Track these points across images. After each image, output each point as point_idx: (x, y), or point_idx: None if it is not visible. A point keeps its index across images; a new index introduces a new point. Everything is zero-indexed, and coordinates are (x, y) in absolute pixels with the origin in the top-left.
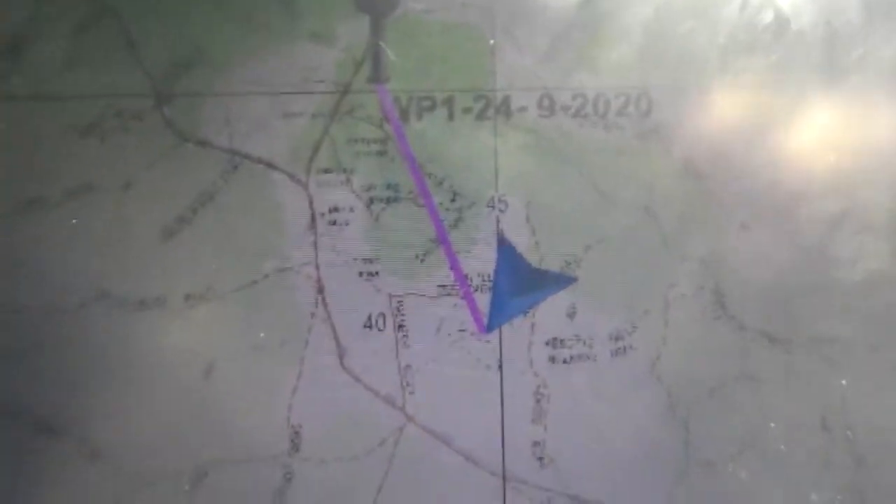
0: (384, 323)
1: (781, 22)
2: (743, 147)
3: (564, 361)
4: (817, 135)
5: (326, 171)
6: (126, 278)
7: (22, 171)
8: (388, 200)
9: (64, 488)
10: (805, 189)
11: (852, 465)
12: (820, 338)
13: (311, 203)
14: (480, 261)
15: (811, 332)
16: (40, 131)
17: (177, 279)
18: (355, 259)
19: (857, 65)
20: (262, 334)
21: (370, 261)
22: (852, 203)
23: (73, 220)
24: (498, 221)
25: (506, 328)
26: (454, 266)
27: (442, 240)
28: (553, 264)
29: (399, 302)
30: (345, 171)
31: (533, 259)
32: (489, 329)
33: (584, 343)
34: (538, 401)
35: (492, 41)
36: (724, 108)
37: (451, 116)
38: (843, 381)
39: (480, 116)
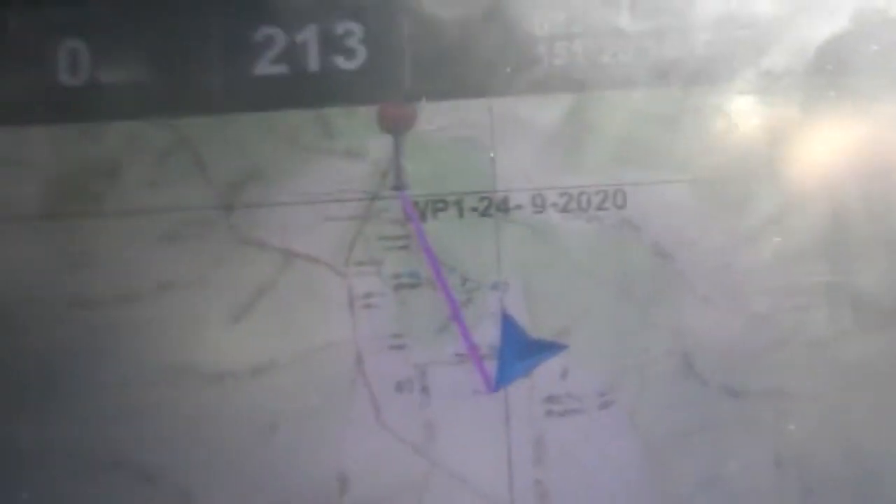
0: (411, 386)
1: (730, 125)
2: (701, 231)
3: (559, 414)
4: (759, 220)
5: (361, 263)
6: (204, 355)
7: (115, 274)
8: (411, 286)
9: None
10: (755, 266)
11: (802, 493)
12: (771, 390)
13: (349, 290)
14: (488, 333)
15: (763, 384)
16: (128, 240)
17: (244, 355)
18: (386, 335)
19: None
20: (312, 397)
21: (398, 335)
22: (792, 278)
23: (161, 312)
24: (501, 300)
25: (510, 388)
26: (466, 338)
27: (455, 317)
28: (547, 335)
29: (423, 368)
30: (376, 263)
31: (531, 331)
32: (496, 389)
33: (575, 399)
34: (537, 447)
35: (491, 154)
36: (684, 200)
37: (460, 214)
38: (791, 427)
39: (484, 214)
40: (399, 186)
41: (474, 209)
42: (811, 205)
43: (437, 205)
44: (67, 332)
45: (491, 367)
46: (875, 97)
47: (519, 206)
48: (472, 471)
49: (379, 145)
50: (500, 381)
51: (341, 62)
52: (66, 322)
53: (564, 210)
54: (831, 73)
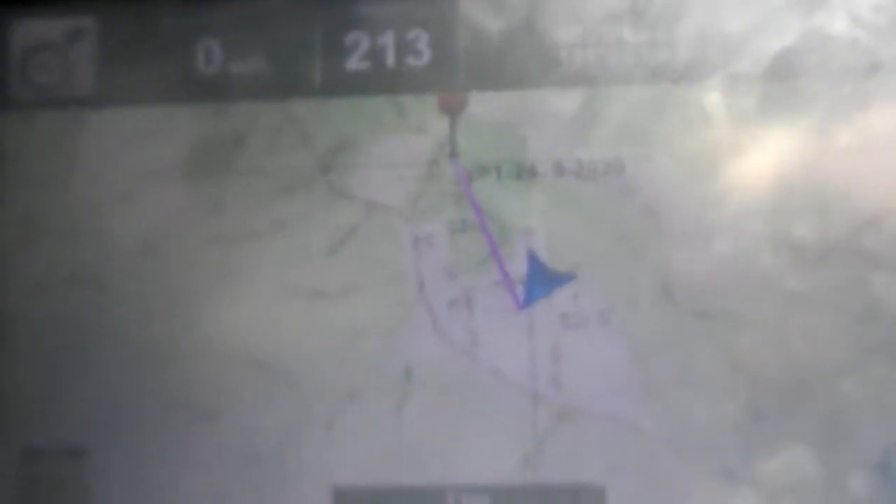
0: (460, 304)
1: (704, 114)
2: (680, 194)
3: (570, 327)
4: (724, 186)
5: (424, 212)
6: (307, 278)
7: (241, 217)
8: (461, 230)
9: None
10: (720, 220)
11: (749, 389)
12: (729, 313)
13: (414, 232)
14: (518, 266)
15: (723, 309)
16: (251, 193)
17: (337, 279)
18: (442, 266)
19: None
20: (386, 312)
21: (451, 266)
22: (748, 229)
23: (275, 246)
24: (528, 242)
25: (534, 307)
26: (502, 269)
27: (494, 254)
28: (561, 268)
29: (469, 291)
30: (434, 212)
31: (550, 265)
32: (524, 307)
33: (582, 315)
34: (553, 350)
35: (524, 133)
36: (668, 170)
37: (499, 177)
38: (743, 340)
39: (517, 177)
40: (454, 155)
41: (509, 173)
42: (762, 174)
43: (482, 170)
44: (206, 260)
45: (520, 291)
46: (815, 96)
47: (543, 173)
48: (505, 367)
49: (439, 124)
50: (527, 302)
51: (411, 60)
52: (203, 257)
53: (577, 176)
54: (783, 77)
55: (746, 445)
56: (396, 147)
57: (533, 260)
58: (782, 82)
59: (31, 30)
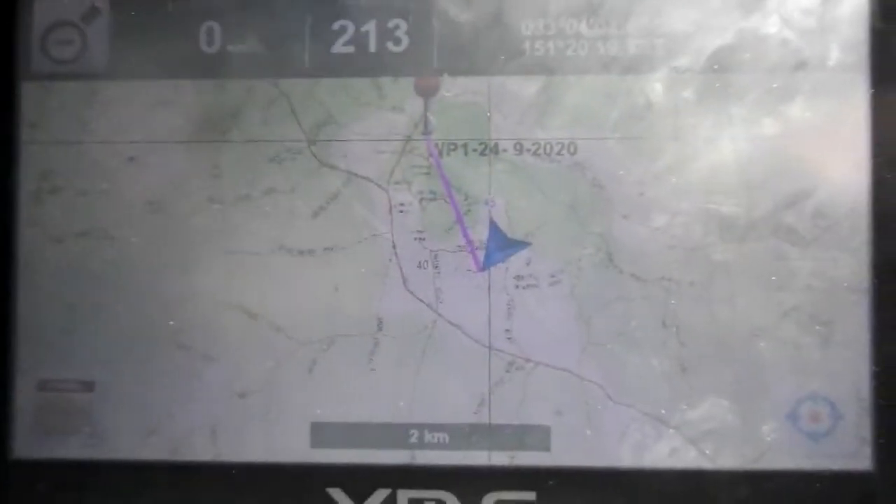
0: (427, 265)
1: (648, 102)
2: (625, 171)
3: (524, 287)
4: (663, 166)
5: (398, 182)
6: (293, 237)
7: (236, 181)
8: (431, 199)
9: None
10: (658, 196)
11: (678, 346)
12: (663, 277)
13: (389, 200)
14: (480, 233)
15: (657, 274)
16: (245, 160)
17: (320, 239)
18: (413, 231)
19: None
20: (362, 269)
21: (421, 231)
22: (681, 204)
23: (266, 208)
24: (490, 212)
25: (492, 269)
26: (466, 235)
27: (459, 221)
28: (518, 235)
29: (436, 254)
30: (408, 183)
31: (507, 233)
32: (483, 269)
33: (534, 278)
34: (508, 307)
35: (488, 114)
36: (615, 151)
37: (465, 154)
38: (673, 301)
39: (482, 154)
40: (426, 133)
41: (475, 150)
42: (697, 157)
43: (451, 146)
44: (204, 217)
45: (480, 255)
46: (746, 89)
47: (505, 150)
48: (465, 321)
49: (413, 104)
50: (486, 264)
51: (391, 46)
52: (202, 211)
53: (535, 154)
54: (717, 70)
55: (674, 394)
56: (375, 124)
57: (493, 228)
58: (718, 76)
59: (51, 8)
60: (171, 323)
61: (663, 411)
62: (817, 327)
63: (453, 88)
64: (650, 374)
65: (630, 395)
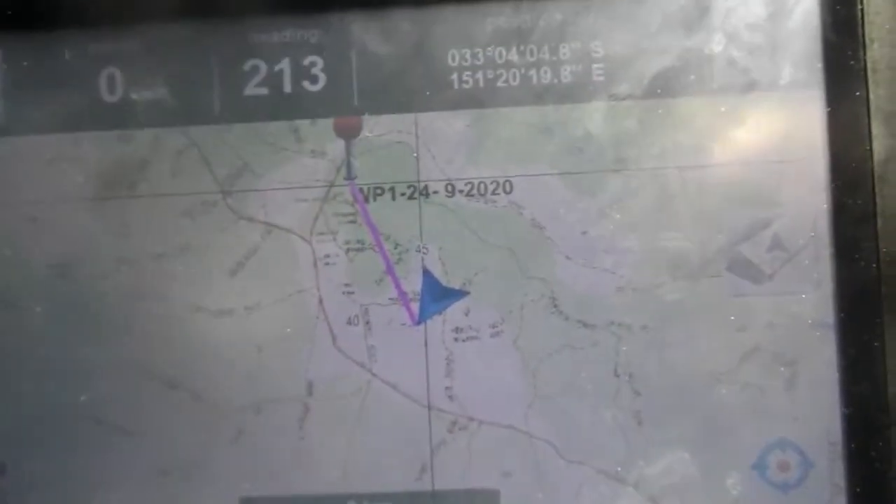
0: (358, 320)
1: (587, 133)
2: (566, 210)
3: (463, 340)
4: (606, 201)
5: (322, 233)
6: (211, 297)
7: (147, 239)
8: (358, 250)
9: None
10: (603, 234)
11: (632, 395)
12: (612, 323)
13: (313, 252)
14: (413, 283)
15: (606, 318)
16: (156, 216)
17: (240, 298)
18: (340, 284)
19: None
20: (287, 328)
21: (349, 285)
22: (628, 243)
23: (180, 267)
24: (422, 259)
25: (428, 322)
26: (397, 286)
27: (389, 272)
28: (454, 284)
29: (366, 308)
30: (332, 233)
31: (443, 281)
32: (419, 323)
33: (474, 329)
34: (447, 363)
35: (416, 154)
36: (554, 188)
37: (393, 198)
38: (625, 348)
39: (411, 197)
40: (349, 177)
41: (403, 194)
42: (642, 190)
43: (377, 191)
44: (114, 281)
45: (415, 307)
46: (693, 114)
47: (436, 192)
48: (401, 380)
49: (335, 147)
50: (422, 317)
51: (307, 85)
52: (112, 274)
53: (468, 195)
54: (660, 95)
55: (630, 448)
56: (294, 170)
57: (427, 277)
58: (662, 101)
59: None
60: (83, 397)
61: (619, 468)
62: (781, 368)
63: (376, 128)
64: (603, 429)
65: (583, 451)
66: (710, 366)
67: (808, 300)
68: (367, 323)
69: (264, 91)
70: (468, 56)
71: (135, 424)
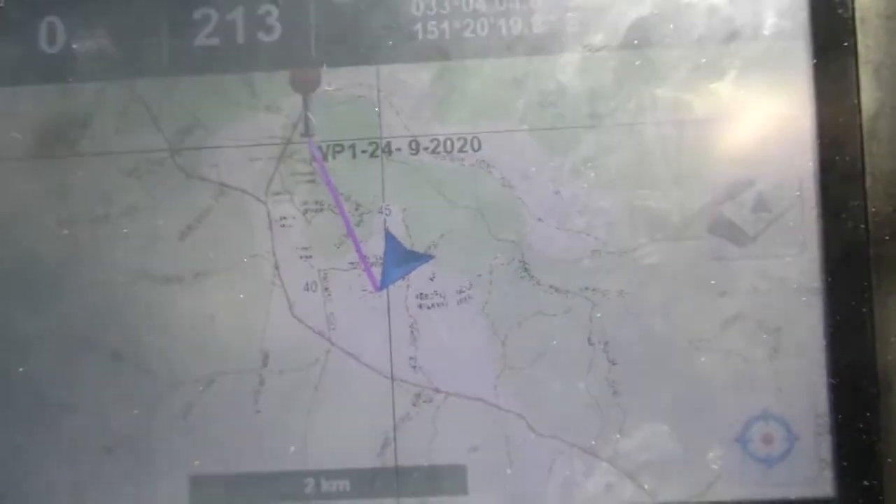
0: (316, 286)
1: (560, 87)
2: (537, 168)
3: (428, 307)
4: (579, 159)
5: (277, 193)
6: (158, 263)
7: (89, 200)
8: (316, 211)
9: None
10: (576, 194)
11: (607, 365)
12: (585, 286)
13: (269, 214)
14: (375, 247)
15: (580, 283)
16: (99, 176)
17: (189, 263)
18: (297, 248)
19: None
20: (241, 295)
21: (306, 248)
22: (604, 203)
23: (125, 230)
24: (385, 221)
25: (391, 288)
26: (358, 250)
27: (350, 234)
28: (419, 247)
29: (325, 273)
30: (289, 193)
31: (406, 244)
32: (381, 288)
33: (440, 295)
34: (412, 331)
35: (377, 109)
36: (524, 144)
37: (354, 156)
38: (599, 314)
39: (372, 155)
40: (307, 134)
41: (364, 151)
42: (618, 147)
43: (336, 148)
44: (53, 245)
45: (377, 272)
46: (671, 66)
47: (399, 149)
48: (362, 350)
49: (291, 102)
50: (384, 283)
51: (262, 36)
52: (51, 237)
53: (434, 152)
54: (637, 45)
55: (605, 421)
56: (248, 126)
57: (390, 240)
58: (639, 52)
59: None
60: (21, 369)
61: (593, 442)
62: (765, 336)
63: (335, 81)
64: (577, 400)
65: (555, 424)
66: (689, 333)
67: (793, 263)
68: (326, 289)
69: (216, 41)
70: (433, 4)
71: (76, 399)
